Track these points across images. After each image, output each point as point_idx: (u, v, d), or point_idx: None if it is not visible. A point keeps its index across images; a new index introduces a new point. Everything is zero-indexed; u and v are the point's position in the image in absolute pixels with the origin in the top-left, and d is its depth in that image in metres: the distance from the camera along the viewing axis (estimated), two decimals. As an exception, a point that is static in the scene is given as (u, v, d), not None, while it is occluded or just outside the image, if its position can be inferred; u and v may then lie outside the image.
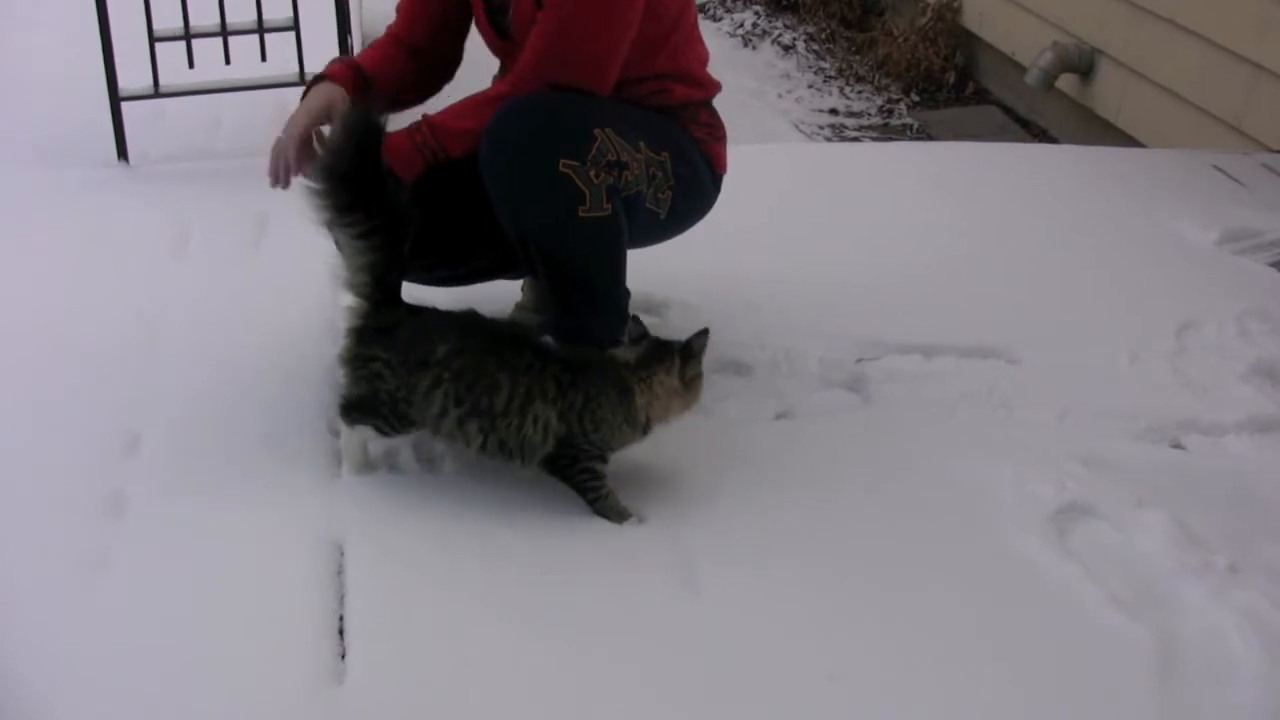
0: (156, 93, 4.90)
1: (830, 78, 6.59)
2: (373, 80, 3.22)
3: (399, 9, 3.39)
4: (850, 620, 2.69)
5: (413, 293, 3.04)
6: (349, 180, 2.84)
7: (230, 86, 4.97)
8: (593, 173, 2.97)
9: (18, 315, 3.79)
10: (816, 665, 2.57)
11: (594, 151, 2.98)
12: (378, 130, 2.86)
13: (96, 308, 3.84)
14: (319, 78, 3.22)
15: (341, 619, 2.70)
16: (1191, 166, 4.98)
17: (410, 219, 2.91)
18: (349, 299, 3.00)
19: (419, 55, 3.33)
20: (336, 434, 3.22)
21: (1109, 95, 5.72)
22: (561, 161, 2.95)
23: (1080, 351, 3.65)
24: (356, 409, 3.01)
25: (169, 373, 3.51)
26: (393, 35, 3.37)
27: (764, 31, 7.13)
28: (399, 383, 2.93)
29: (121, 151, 4.90)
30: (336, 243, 2.96)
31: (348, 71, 3.20)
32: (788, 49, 6.92)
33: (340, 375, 3.03)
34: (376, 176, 2.86)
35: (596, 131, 2.99)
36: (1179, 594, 2.77)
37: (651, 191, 3.14)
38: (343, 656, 2.61)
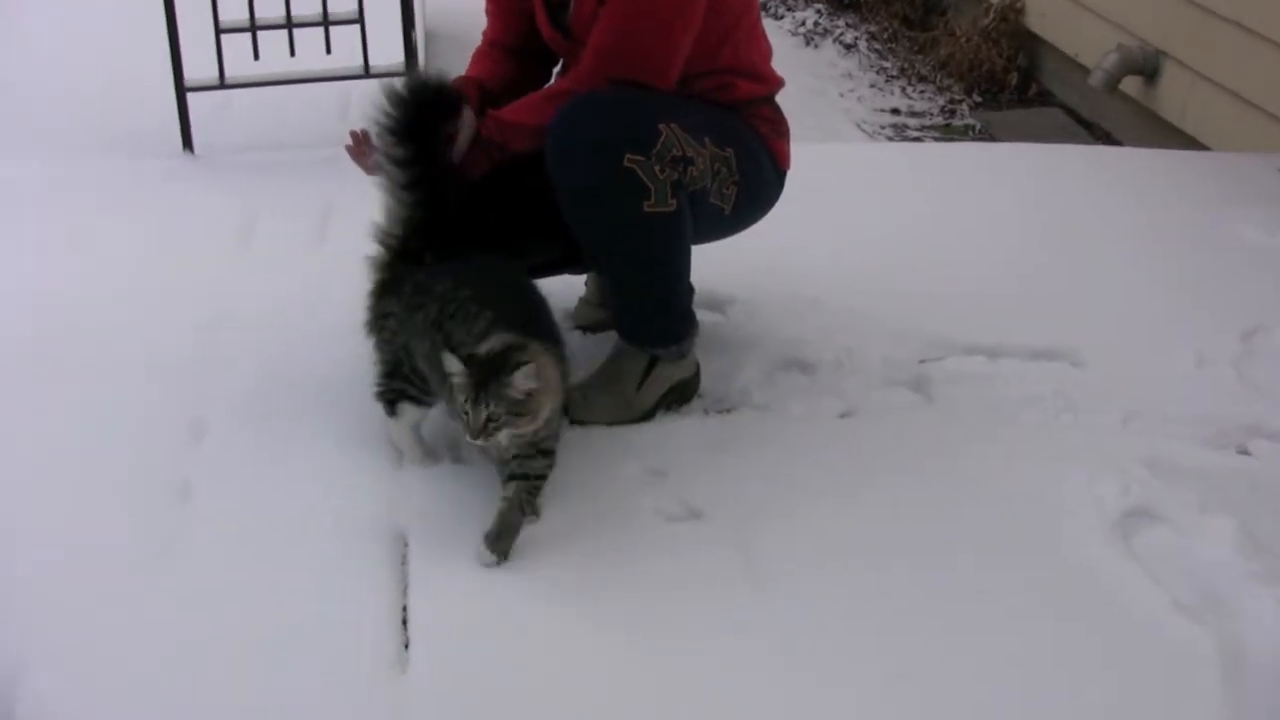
0: (222, 84, 4.94)
1: (892, 77, 6.57)
2: (492, 91, 3.27)
3: (487, 14, 3.42)
4: (914, 619, 2.69)
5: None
6: (407, 134, 2.95)
7: (295, 78, 5.01)
8: (658, 168, 2.97)
9: (86, 303, 3.83)
10: (884, 664, 2.57)
11: (659, 146, 2.97)
12: (440, 93, 2.98)
13: (163, 296, 3.88)
14: None
15: (405, 610, 2.72)
16: (1257, 170, 4.93)
17: (457, 190, 3.01)
18: (373, 250, 3.07)
19: (518, 54, 3.36)
20: (399, 428, 3.25)
21: (1174, 98, 5.67)
22: (627, 156, 2.95)
23: (1145, 355, 3.61)
24: (389, 387, 3.07)
25: (235, 362, 3.55)
26: (489, 41, 3.41)
27: (825, 30, 7.11)
28: (405, 334, 2.98)
29: (187, 142, 4.94)
30: (384, 191, 3.05)
31: (469, 84, 3.25)
32: (849, 48, 6.90)
33: (371, 352, 3.08)
34: (433, 138, 2.97)
35: (662, 127, 2.99)
36: (1243, 600, 2.74)
37: (716, 187, 3.13)
38: (406, 647, 2.63)
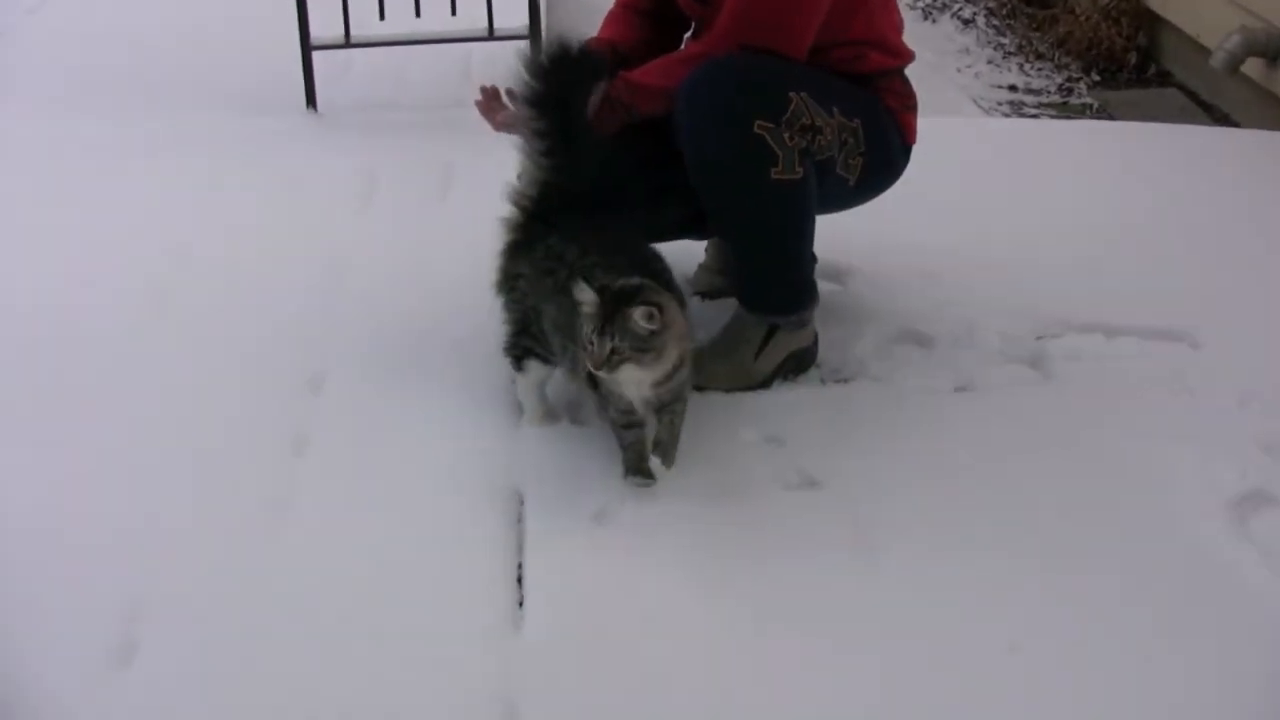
0: (347, 43, 4.99)
1: (1009, 54, 6.52)
2: (623, 53, 3.29)
3: None
4: (1026, 595, 2.69)
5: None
6: (549, 104, 2.96)
7: (419, 39, 5.05)
8: (787, 135, 2.98)
9: (210, 256, 3.90)
10: (996, 637, 2.57)
11: (789, 114, 2.98)
12: (581, 61, 2.98)
13: (285, 252, 3.95)
14: None
15: (520, 568, 2.75)
16: (1380, 155, 4.87)
17: (594, 160, 3.00)
18: (506, 210, 3.09)
19: (650, 17, 3.38)
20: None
21: (1297, 81, 5.61)
22: (757, 123, 2.96)
23: (1264, 337, 3.57)
24: (517, 344, 3.09)
25: (354, 318, 3.60)
26: (622, 4, 3.44)
27: (944, 4, 7.07)
28: (535, 297, 3.00)
29: (311, 100, 5.01)
30: (522, 154, 3.06)
31: (602, 46, 3.27)
32: (967, 23, 6.85)
33: (499, 311, 3.11)
34: (575, 106, 2.97)
35: (792, 95, 3.00)
36: (1362, 586, 2.72)
37: (843, 158, 3.14)
38: (520, 605, 2.66)
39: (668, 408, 2.91)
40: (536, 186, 3.05)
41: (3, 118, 4.99)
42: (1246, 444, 3.12)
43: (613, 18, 3.42)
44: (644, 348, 2.73)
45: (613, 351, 2.72)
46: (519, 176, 3.08)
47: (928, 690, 2.47)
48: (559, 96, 2.96)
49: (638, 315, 2.70)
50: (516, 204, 3.09)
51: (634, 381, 2.82)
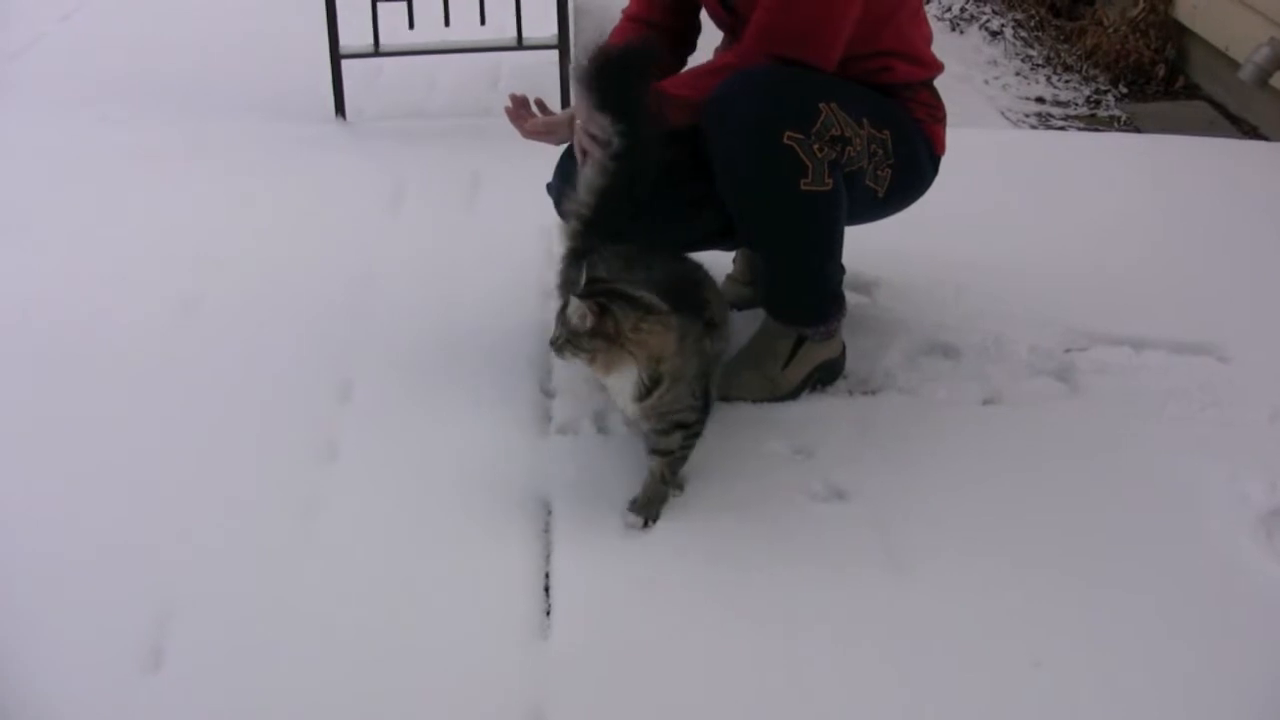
0: (376, 51, 5.00)
1: (1037, 65, 6.51)
2: None
3: None
4: (1053, 609, 2.68)
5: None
6: (611, 100, 2.94)
7: (448, 48, 5.05)
8: (816, 146, 2.98)
9: (239, 263, 3.92)
10: (1021, 651, 2.56)
11: (818, 125, 2.98)
12: (644, 61, 2.98)
13: (314, 259, 3.96)
14: None
15: (547, 576, 2.75)
16: None
17: (653, 167, 2.98)
18: (566, 217, 3.09)
19: (655, 30, 3.36)
20: (546, 392, 3.29)
21: (1326, 95, 5.59)
22: (786, 133, 2.95)
23: (1293, 352, 3.57)
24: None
25: (383, 325, 3.61)
26: (629, 17, 3.42)
27: (972, 16, 7.06)
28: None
29: (339, 108, 5.02)
30: (584, 163, 3.04)
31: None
32: (995, 35, 6.85)
33: (555, 306, 3.08)
34: (639, 106, 2.95)
35: (822, 105, 2.99)
36: (1393, 604, 2.71)
37: (871, 169, 3.14)
38: (548, 613, 2.66)
39: (658, 446, 2.90)
40: (598, 194, 3.02)
41: (34, 124, 5.01)
42: (1276, 458, 3.11)
43: (618, 30, 3.39)
44: (580, 345, 2.74)
45: (557, 337, 2.77)
46: (581, 185, 3.05)
47: (953, 701, 2.46)
48: (631, 97, 2.94)
49: (571, 309, 2.71)
50: (576, 213, 3.06)
51: (614, 390, 2.84)
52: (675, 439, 2.88)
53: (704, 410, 2.92)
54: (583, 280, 2.77)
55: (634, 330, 2.73)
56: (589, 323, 2.70)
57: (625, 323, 2.72)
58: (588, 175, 3.02)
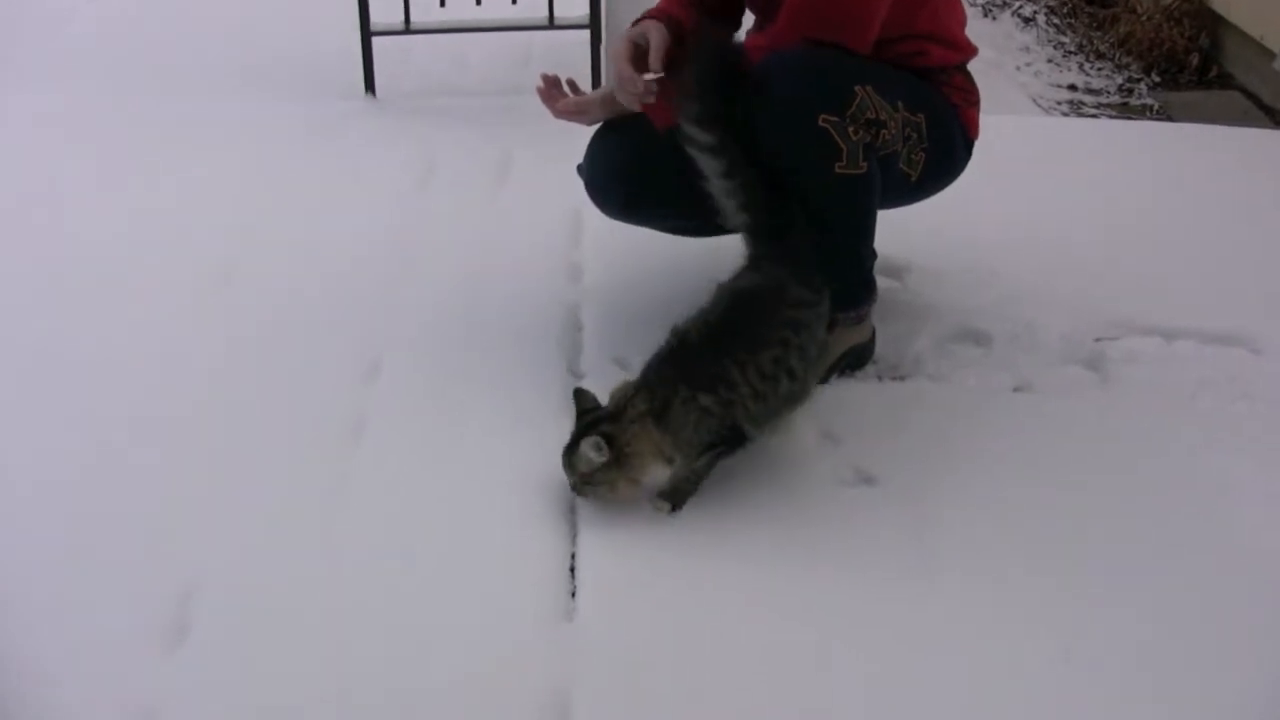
0: (407, 29, 5.00)
1: (1070, 53, 6.48)
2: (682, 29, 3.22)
3: None
4: (1084, 602, 2.66)
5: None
6: (716, 117, 2.90)
7: (479, 26, 5.05)
8: (851, 129, 2.96)
9: (267, 242, 3.92)
10: (1053, 644, 2.54)
11: (854, 108, 2.96)
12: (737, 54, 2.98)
13: (343, 236, 3.96)
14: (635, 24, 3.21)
15: (573, 558, 2.75)
16: None
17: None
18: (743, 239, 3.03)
19: (703, 6, 3.32)
20: (575, 373, 3.29)
21: (1361, 86, 5.56)
22: (821, 116, 2.93)
23: (1327, 345, 3.54)
24: None
25: (411, 304, 3.61)
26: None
27: (1004, 2, 7.03)
28: None
29: (370, 85, 5.02)
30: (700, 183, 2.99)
31: (661, 17, 3.20)
32: (1028, 21, 6.82)
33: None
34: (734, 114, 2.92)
35: (857, 88, 2.97)
36: None
37: (905, 152, 3.12)
38: (573, 595, 2.65)
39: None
40: (746, 211, 2.98)
41: (63, 101, 5.01)
42: (1308, 452, 3.08)
43: (663, 5, 3.32)
44: (596, 481, 2.77)
45: (574, 483, 2.81)
46: (724, 211, 3.01)
47: (982, 691, 2.45)
48: (730, 113, 2.92)
49: (582, 450, 2.73)
50: (748, 231, 3.02)
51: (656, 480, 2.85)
52: (705, 459, 2.87)
53: (733, 431, 2.87)
54: (575, 418, 2.81)
55: (626, 445, 2.74)
56: (605, 453, 2.71)
57: (619, 441, 2.73)
58: (722, 198, 2.97)
